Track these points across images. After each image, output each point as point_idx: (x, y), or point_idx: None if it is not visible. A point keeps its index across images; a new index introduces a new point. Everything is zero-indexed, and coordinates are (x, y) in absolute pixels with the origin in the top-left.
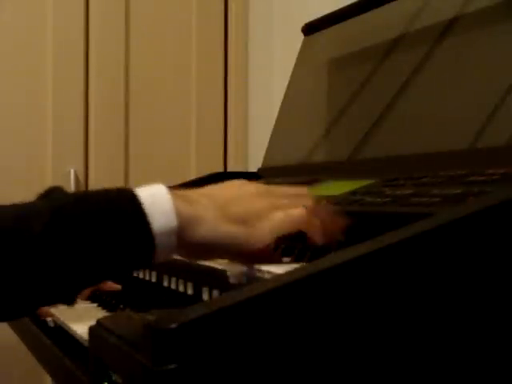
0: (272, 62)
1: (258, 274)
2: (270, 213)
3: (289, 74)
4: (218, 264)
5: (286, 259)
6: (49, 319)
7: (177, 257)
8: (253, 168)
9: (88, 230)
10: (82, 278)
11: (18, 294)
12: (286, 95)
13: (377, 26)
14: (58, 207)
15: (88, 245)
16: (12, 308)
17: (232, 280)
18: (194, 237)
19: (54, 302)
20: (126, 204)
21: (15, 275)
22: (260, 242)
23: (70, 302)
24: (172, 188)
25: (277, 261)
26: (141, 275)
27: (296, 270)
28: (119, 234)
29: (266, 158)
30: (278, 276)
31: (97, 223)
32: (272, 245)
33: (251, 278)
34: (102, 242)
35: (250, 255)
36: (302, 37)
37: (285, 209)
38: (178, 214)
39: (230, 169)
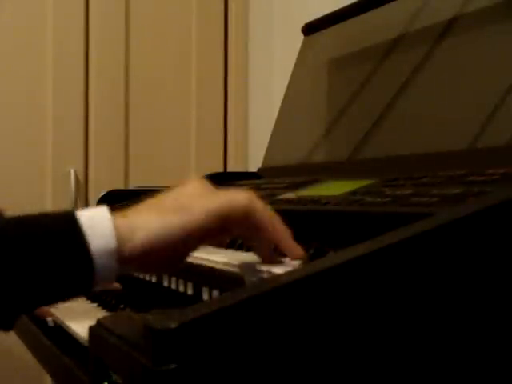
0: (272, 62)
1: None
2: (201, 199)
3: (289, 73)
4: (219, 264)
5: (285, 259)
6: (49, 319)
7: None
8: (253, 168)
9: (26, 253)
10: (20, 302)
11: None
12: (286, 95)
13: (377, 26)
14: None
15: (26, 267)
16: None
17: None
18: (135, 247)
19: None
20: (64, 226)
21: None
22: (197, 225)
23: (8, 327)
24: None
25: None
26: (141, 275)
27: (296, 270)
28: (57, 256)
29: (265, 158)
30: (278, 276)
31: (34, 245)
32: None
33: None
34: (39, 264)
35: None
36: (301, 37)
37: (218, 197)
38: (118, 233)
39: (230, 169)
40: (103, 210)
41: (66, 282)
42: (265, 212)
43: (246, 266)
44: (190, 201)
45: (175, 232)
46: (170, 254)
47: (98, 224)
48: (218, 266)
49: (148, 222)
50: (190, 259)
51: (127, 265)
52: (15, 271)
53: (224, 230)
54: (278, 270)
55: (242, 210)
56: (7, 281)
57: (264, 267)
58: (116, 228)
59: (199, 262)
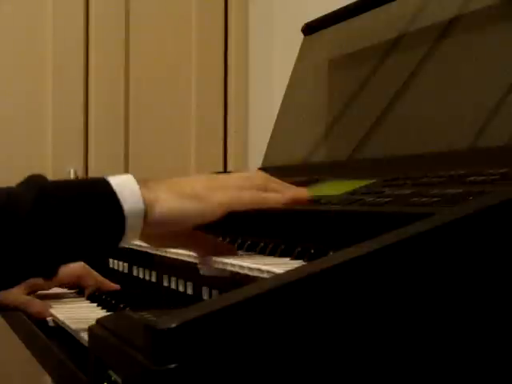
0: (272, 62)
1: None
2: (218, 189)
3: (289, 73)
4: (219, 264)
5: (285, 259)
6: (49, 319)
7: (176, 256)
8: (253, 168)
9: (68, 213)
10: (64, 254)
11: (7, 266)
12: (286, 95)
13: (377, 26)
14: (40, 193)
15: (68, 224)
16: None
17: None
18: (154, 217)
19: (38, 274)
20: (101, 189)
21: (3, 251)
22: (212, 214)
23: (52, 275)
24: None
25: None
26: (141, 275)
27: (296, 269)
28: (96, 215)
29: (265, 157)
30: (278, 276)
31: (75, 206)
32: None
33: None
34: (80, 222)
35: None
36: (301, 37)
37: (231, 188)
38: (143, 199)
39: (230, 169)
40: (129, 177)
41: (103, 237)
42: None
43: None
44: (206, 192)
45: (188, 217)
46: (176, 232)
47: (127, 188)
48: (217, 266)
49: (167, 201)
50: (189, 259)
51: (144, 229)
52: (62, 226)
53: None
54: (278, 269)
55: (248, 203)
56: (54, 236)
57: (264, 267)
58: (142, 193)
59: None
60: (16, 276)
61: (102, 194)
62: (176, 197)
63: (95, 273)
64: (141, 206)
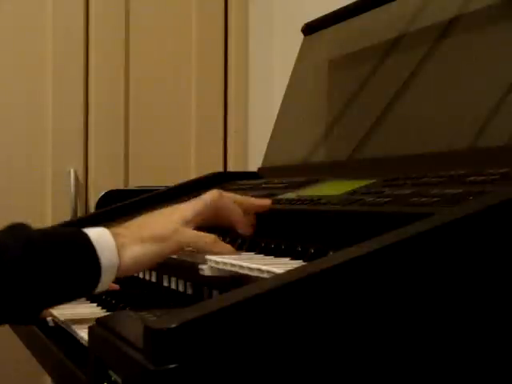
0: (272, 62)
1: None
2: (172, 225)
3: (289, 73)
4: (219, 264)
5: (285, 259)
6: (49, 319)
7: (176, 256)
8: (253, 168)
9: (52, 264)
10: (45, 299)
11: None
12: (286, 95)
13: (377, 26)
14: (27, 242)
15: (52, 273)
16: None
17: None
18: (123, 261)
19: (20, 320)
20: (80, 244)
21: None
22: (169, 253)
23: (33, 321)
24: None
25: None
26: (141, 275)
27: (296, 269)
28: (75, 268)
29: (265, 158)
30: (278, 276)
31: (58, 258)
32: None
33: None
34: (62, 272)
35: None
36: (301, 37)
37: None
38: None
39: (230, 169)
40: (103, 230)
41: (79, 286)
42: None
43: (200, 256)
44: (166, 232)
45: (152, 258)
46: (142, 269)
47: (104, 242)
48: (217, 266)
49: (133, 247)
50: (189, 259)
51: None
52: (46, 274)
53: None
54: (278, 269)
55: (200, 221)
56: (37, 282)
57: (264, 267)
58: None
59: (199, 261)
60: (4, 316)
61: (82, 249)
62: (140, 241)
63: None
64: (115, 260)
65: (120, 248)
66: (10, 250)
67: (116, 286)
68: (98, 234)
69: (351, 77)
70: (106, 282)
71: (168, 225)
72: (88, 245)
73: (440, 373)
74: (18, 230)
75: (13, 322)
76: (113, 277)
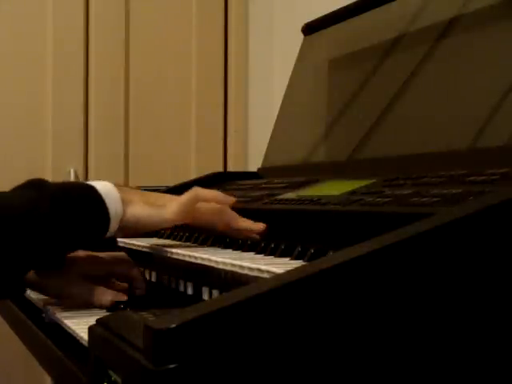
0: (272, 62)
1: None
2: (175, 199)
3: (289, 73)
4: (219, 263)
5: (285, 259)
6: (47, 317)
7: (176, 256)
8: (253, 168)
9: (72, 216)
10: (68, 246)
11: (28, 256)
12: (286, 95)
13: (377, 26)
14: (52, 199)
15: (73, 223)
16: (19, 270)
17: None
18: (127, 214)
19: (49, 265)
20: (93, 198)
21: (28, 245)
22: (170, 216)
23: (61, 266)
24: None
25: None
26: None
27: (296, 269)
28: (91, 218)
29: (265, 158)
30: (278, 276)
31: (77, 211)
32: None
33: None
34: (81, 222)
35: None
36: (301, 37)
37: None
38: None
39: (230, 169)
40: (109, 184)
41: (94, 233)
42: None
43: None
44: (165, 201)
45: (152, 220)
46: (140, 230)
47: (110, 193)
48: (218, 266)
49: (136, 204)
50: (189, 259)
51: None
52: (68, 225)
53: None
54: (278, 269)
55: (208, 216)
56: (63, 231)
57: (264, 267)
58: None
59: (199, 261)
60: (36, 264)
61: (93, 201)
62: (143, 203)
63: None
64: (119, 210)
65: (126, 203)
66: (40, 206)
67: (124, 297)
68: (105, 189)
69: (351, 77)
70: (113, 229)
71: (167, 197)
72: (99, 198)
73: (441, 373)
74: (42, 187)
75: (43, 267)
76: (117, 225)
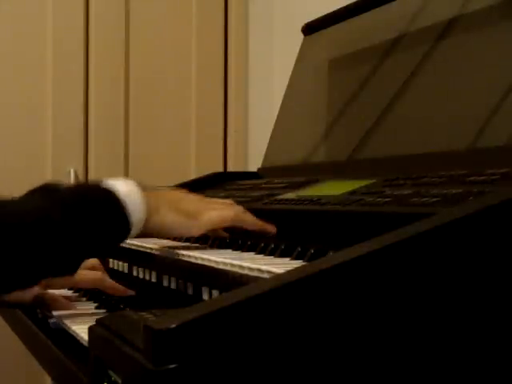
0: (272, 62)
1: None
2: (207, 210)
3: (289, 73)
4: (219, 264)
5: (285, 259)
6: (51, 321)
7: (176, 256)
8: (253, 168)
9: (86, 221)
10: (84, 252)
11: (43, 264)
12: (286, 95)
13: (377, 26)
14: (63, 206)
15: (87, 230)
16: (35, 275)
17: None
18: (152, 222)
19: (63, 272)
20: (112, 202)
21: (41, 253)
22: (197, 231)
23: (75, 270)
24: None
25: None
26: (141, 275)
27: (296, 269)
28: (107, 225)
29: (265, 158)
30: (278, 276)
31: (95, 215)
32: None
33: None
34: (96, 229)
35: None
36: (301, 37)
37: (218, 209)
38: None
39: (230, 169)
40: (134, 186)
41: (111, 240)
42: (249, 220)
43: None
44: (196, 209)
45: (180, 228)
46: (161, 236)
47: (133, 198)
48: (218, 266)
49: (165, 213)
50: (190, 259)
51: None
52: (81, 231)
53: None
54: (278, 270)
55: (230, 221)
56: (78, 238)
57: (264, 267)
58: (146, 202)
59: (199, 262)
60: (49, 272)
61: (113, 205)
62: (171, 211)
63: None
64: (142, 217)
65: (153, 210)
66: (51, 214)
67: (131, 292)
68: (128, 192)
69: (351, 77)
70: (133, 236)
71: (202, 206)
72: (118, 204)
73: (441, 372)
74: (53, 192)
75: (57, 274)
76: (138, 232)
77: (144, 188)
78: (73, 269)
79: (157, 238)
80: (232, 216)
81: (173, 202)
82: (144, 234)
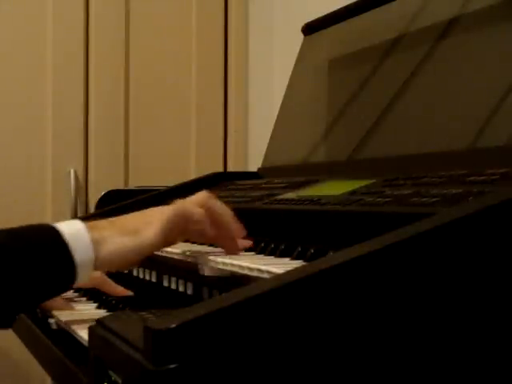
0: (272, 62)
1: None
2: (156, 219)
3: (289, 73)
4: (219, 264)
5: (285, 259)
6: (51, 321)
7: (176, 256)
8: (253, 168)
9: (24, 263)
10: (20, 302)
11: None
12: (286, 95)
13: (377, 26)
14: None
15: (24, 274)
16: None
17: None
18: (100, 254)
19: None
20: (52, 242)
21: None
22: (148, 244)
23: (8, 325)
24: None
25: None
26: (141, 275)
27: (296, 269)
28: (49, 268)
29: (265, 158)
30: (278, 276)
31: (30, 258)
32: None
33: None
34: (34, 271)
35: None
36: (301, 37)
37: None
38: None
39: (230, 169)
40: (78, 224)
41: (55, 285)
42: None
43: (201, 257)
44: (140, 222)
45: (130, 251)
46: (123, 266)
47: (79, 237)
48: (217, 266)
49: (110, 239)
50: (189, 259)
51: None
52: (15, 277)
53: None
54: (278, 270)
55: (182, 223)
56: (8, 285)
57: (264, 267)
58: (91, 238)
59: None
60: None
61: (54, 246)
62: (118, 234)
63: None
64: (91, 255)
65: (99, 242)
66: None
67: (130, 292)
68: (71, 230)
69: (351, 77)
70: (85, 276)
71: (146, 218)
72: (60, 243)
73: (441, 372)
74: None
75: None
76: (90, 271)
77: (90, 223)
78: (9, 319)
79: (120, 268)
80: (182, 209)
81: (116, 227)
82: (100, 269)
